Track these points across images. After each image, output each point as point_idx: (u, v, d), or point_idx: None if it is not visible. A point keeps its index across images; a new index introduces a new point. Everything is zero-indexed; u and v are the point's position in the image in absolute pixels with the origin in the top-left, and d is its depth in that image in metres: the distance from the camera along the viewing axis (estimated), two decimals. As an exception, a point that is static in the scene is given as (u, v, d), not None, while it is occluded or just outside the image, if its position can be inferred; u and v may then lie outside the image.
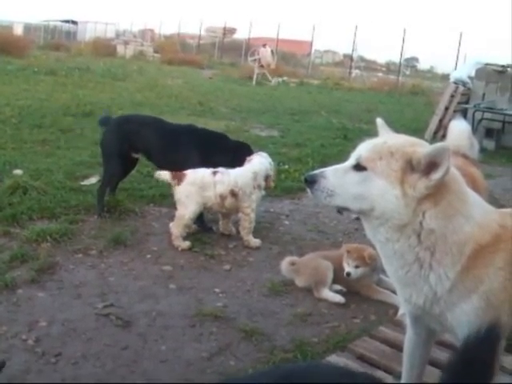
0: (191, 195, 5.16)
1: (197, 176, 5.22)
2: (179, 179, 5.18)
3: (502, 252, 2.34)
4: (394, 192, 2.20)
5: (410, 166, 2.20)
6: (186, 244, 5.18)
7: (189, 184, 5.17)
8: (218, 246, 5.35)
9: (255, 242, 5.40)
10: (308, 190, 2.35)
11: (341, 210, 2.46)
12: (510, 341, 2.85)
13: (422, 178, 2.19)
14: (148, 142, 5.90)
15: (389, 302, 4.46)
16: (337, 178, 2.30)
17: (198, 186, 5.18)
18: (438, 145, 2.19)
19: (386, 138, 2.39)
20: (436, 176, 2.16)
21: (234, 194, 5.24)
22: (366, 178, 2.24)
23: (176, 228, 5.19)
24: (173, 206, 5.69)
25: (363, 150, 2.31)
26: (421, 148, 2.23)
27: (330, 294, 4.48)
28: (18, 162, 7.30)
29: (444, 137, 4.52)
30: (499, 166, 11.07)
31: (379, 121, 2.60)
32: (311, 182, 2.32)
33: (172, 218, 5.39)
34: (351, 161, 2.32)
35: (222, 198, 5.23)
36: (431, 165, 2.17)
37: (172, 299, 4.24)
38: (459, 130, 4.24)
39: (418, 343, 2.72)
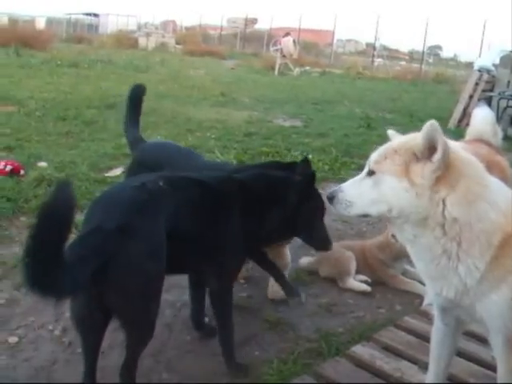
0: None
1: None
2: None
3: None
4: (402, 185, 2.22)
5: (415, 157, 2.22)
6: None
7: None
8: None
9: None
10: (330, 205, 2.46)
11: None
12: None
13: (427, 164, 2.20)
14: None
15: (414, 291, 4.44)
16: (353, 189, 2.39)
17: None
18: (427, 124, 2.20)
19: (395, 140, 2.43)
20: (437, 156, 2.18)
21: None
22: (377, 181, 2.29)
23: None
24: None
25: (372, 155, 2.38)
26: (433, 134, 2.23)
27: (355, 284, 4.47)
28: (42, 155, 7.35)
29: (468, 125, 4.47)
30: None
31: (391, 133, 2.61)
32: (331, 198, 2.42)
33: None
34: (365, 169, 2.39)
35: None
36: (431, 148, 2.19)
37: (197, 290, 4.25)
38: (482, 117, 4.20)
39: (446, 334, 2.70)
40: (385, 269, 4.57)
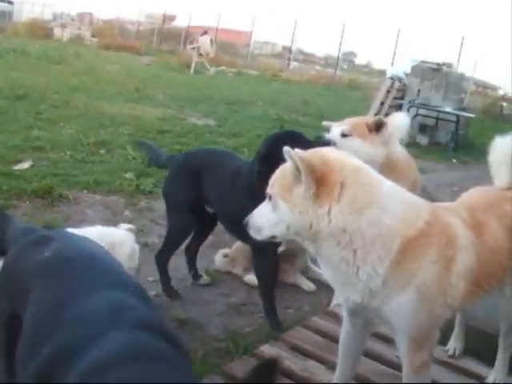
0: None
1: None
2: None
3: (434, 245, 2.39)
4: (288, 207, 2.31)
5: (294, 176, 2.29)
6: None
7: None
8: (153, 235, 5.30)
9: None
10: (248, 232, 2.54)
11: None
12: (444, 332, 2.91)
13: (300, 185, 2.28)
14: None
15: (303, 287, 4.67)
16: (260, 214, 2.48)
17: None
18: (284, 150, 2.31)
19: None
20: (302, 177, 2.26)
21: None
22: (274, 205, 2.38)
23: None
24: (107, 193, 5.60)
25: (270, 180, 2.46)
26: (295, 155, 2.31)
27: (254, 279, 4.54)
28: None
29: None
30: (432, 161, 11.30)
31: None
32: (245, 224, 2.52)
33: (106, 205, 5.30)
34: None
35: None
36: (298, 170, 2.27)
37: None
38: (399, 122, 4.30)
39: (354, 335, 2.76)
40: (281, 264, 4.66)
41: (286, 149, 2.32)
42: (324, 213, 2.26)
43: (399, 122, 4.16)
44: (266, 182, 2.49)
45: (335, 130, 3.82)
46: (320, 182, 2.25)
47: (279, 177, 2.40)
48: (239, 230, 3.49)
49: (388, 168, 3.65)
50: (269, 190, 2.41)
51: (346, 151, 3.64)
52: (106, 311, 1.58)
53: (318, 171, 2.25)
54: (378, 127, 3.76)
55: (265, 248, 3.70)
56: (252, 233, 2.51)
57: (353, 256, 2.32)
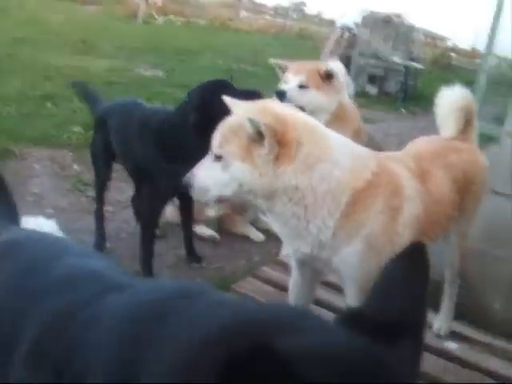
0: None
1: None
2: None
3: (380, 196, 2.42)
4: (246, 167, 2.26)
5: (252, 139, 2.24)
6: None
7: None
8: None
9: None
10: (190, 193, 2.46)
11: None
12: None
13: (261, 147, 2.24)
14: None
15: (251, 236, 4.74)
16: (206, 175, 2.38)
17: None
18: (251, 117, 2.22)
19: (231, 116, 2.41)
20: (266, 141, 2.22)
21: None
22: (225, 165, 2.31)
23: None
24: (54, 147, 5.51)
25: (214, 139, 2.37)
26: (251, 116, 2.24)
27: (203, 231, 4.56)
28: None
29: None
30: (381, 111, 11.39)
31: (226, 99, 2.61)
32: (188, 185, 2.41)
33: (54, 159, 5.22)
34: (211, 153, 2.39)
35: None
36: (259, 132, 2.22)
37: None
38: (337, 70, 4.31)
39: (304, 284, 2.79)
40: (230, 215, 4.69)
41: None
42: (282, 172, 2.26)
43: (336, 70, 4.21)
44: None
45: (292, 81, 3.83)
46: (280, 143, 2.24)
47: (229, 135, 2.32)
48: (146, 179, 3.79)
49: (336, 117, 3.72)
50: (218, 150, 2.34)
51: (303, 102, 3.72)
52: (85, 270, 1.38)
53: (279, 134, 2.23)
54: (329, 76, 3.79)
55: (157, 195, 3.77)
56: (196, 194, 2.47)
57: (304, 211, 2.34)
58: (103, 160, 4.19)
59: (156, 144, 3.64)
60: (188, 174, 2.43)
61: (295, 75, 3.85)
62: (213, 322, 1.03)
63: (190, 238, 4.25)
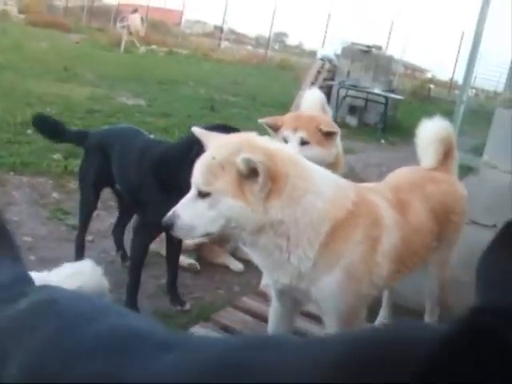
0: None
1: None
2: None
3: (360, 226, 2.43)
4: (238, 204, 2.20)
5: (243, 175, 2.19)
6: None
7: None
8: (81, 216, 5.22)
9: None
10: (171, 232, 2.36)
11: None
12: (372, 311, 2.97)
13: (254, 184, 2.18)
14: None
15: (230, 267, 4.70)
16: (190, 213, 2.29)
17: None
18: (246, 156, 2.16)
19: (213, 150, 2.33)
20: (260, 179, 2.17)
21: None
22: (213, 202, 2.24)
23: None
24: (34, 174, 5.48)
25: (198, 176, 2.29)
26: (243, 154, 2.18)
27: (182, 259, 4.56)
28: None
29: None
30: (361, 141, 11.47)
31: (196, 130, 2.60)
32: (170, 225, 2.32)
33: (33, 187, 5.19)
34: (193, 190, 2.31)
35: None
36: (253, 170, 2.17)
37: (32, 271, 4.10)
38: (313, 98, 4.34)
39: (283, 314, 2.78)
40: (209, 245, 4.68)
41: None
42: (271, 207, 2.22)
43: (314, 97, 4.24)
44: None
45: (293, 138, 3.83)
46: (271, 178, 2.20)
47: (217, 171, 2.23)
48: (142, 207, 3.76)
49: (329, 164, 3.81)
50: (205, 187, 2.25)
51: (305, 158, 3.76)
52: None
53: (271, 170, 2.19)
54: (330, 134, 3.84)
55: (148, 227, 3.72)
56: (181, 234, 2.37)
57: (286, 243, 2.32)
58: (93, 187, 4.12)
59: (154, 174, 3.61)
60: (169, 214, 2.34)
61: (295, 132, 3.85)
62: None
63: (174, 275, 4.05)
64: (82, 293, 1.63)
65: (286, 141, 3.78)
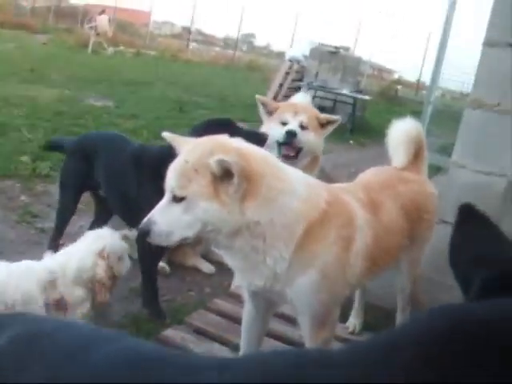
0: None
1: None
2: None
3: (334, 226, 2.43)
4: (214, 207, 2.17)
5: (217, 177, 2.17)
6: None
7: None
8: (50, 220, 5.15)
9: None
10: (147, 239, 2.32)
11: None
12: (344, 310, 2.98)
13: (229, 186, 2.16)
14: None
15: (202, 269, 4.70)
16: (166, 218, 2.26)
17: None
18: (220, 157, 2.14)
19: (186, 154, 2.31)
20: (234, 180, 2.15)
21: None
22: (188, 206, 2.21)
23: None
24: (1, 177, 5.41)
25: (173, 180, 2.26)
26: (216, 155, 2.16)
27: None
28: None
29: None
30: (330, 142, 11.47)
31: (167, 135, 2.58)
32: (146, 232, 2.28)
33: (0, 190, 5.12)
34: (168, 194, 2.27)
35: None
36: (227, 171, 2.15)
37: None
38: (301, 98, 4.38)
39: (257, 316, 2.78)
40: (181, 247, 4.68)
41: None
42: (247, 208, 2.20)
43: (301, 100, 4.27)
44: None
45: (293, 121, 3.85)
46: (246, 179, 2.18)
47: (191, 175, 2.20)
48: (131, 216, 3.69)
49: (313, 159, 3.86)
50: (179, 191, 2.22)
51: (303, 142, 3.77)
52: None
53: (245, 170, 2.17)
54: (328, 123, 3.89)
55: None
56: (158, 240, 2.31)
57: (262, 244, 2.30)
58: (74, 191, 4.10)
59: (154, 178, 3.53)
60: (145, 221, 2.29)
61: (295, 115, 3.86)
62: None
63: (149, 279, 3.89)
64: (72, 322, 1.47)
65: (284, 124, 3.82)
